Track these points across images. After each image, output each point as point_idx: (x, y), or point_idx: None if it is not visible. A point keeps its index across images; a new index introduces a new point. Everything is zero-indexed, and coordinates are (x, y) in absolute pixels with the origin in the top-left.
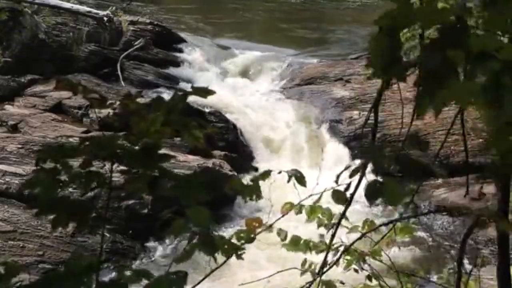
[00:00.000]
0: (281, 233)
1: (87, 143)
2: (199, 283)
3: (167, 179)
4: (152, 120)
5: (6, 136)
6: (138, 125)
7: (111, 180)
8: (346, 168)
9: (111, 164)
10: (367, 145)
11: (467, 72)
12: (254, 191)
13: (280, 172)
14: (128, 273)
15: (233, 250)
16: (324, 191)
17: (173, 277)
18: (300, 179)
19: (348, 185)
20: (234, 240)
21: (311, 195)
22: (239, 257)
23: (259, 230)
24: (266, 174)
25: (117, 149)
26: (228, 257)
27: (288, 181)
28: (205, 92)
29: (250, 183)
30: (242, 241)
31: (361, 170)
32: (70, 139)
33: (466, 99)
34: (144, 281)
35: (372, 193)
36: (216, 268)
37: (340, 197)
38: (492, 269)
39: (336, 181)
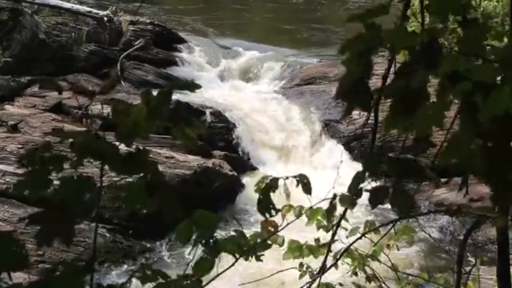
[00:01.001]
0: (278, 239)
1: (71, 140)
2: (207, 284)
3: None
4: (135, 113)
5: (6, 136)
6: (124, 123)
7: (102, 181)
8: (355, 177)
9: (101, 165)
10: (367, 146)
11: (438, 93)
12: (267, 205)
13: (287, 178)
14: (148, 272)
15: (253, 250)
16: (335, 197)
17: (187, 283)
18: (305, 186)
19: (360, 191)
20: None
21: (324, 199)
22: (258, 258)
23: (270, 235)
24: (274, 184)
25: (104, 150)
26: (239, 257)
27: (297, 186)
28: (191, 86)
29: (261, 197)
30: (258, 246)
31: (360, 177)
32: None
33: (429, 127)
34: (160, 281)
35: (377, 198)
36: (226, 269)
37: (348, 201)
38: (492, 269)
39: (349, 191)
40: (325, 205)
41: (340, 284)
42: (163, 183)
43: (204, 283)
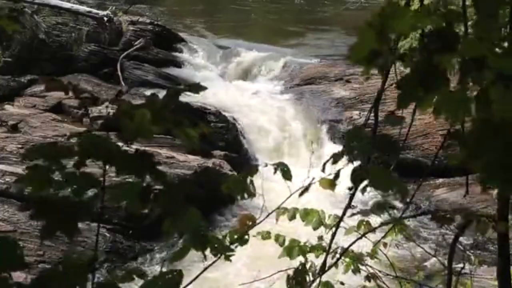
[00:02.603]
0: (279, 238)
1: (75, 139)
2: (192, 281)
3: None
4: (139, 116)
5: (6, 136)
6: (129, 125)
7: (104, 180)
8: (332, 157)
9: (104, 164)
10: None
11: (459, 78)
12: (244, 189)
13: (266, 165)
14: (120, 273)
15: (223, 250)
16: (312, 182)
17: (168, 277)
18: (285, 172)
19: (337, 173)
20: (227, 239)
21: (302, 187)
22: (227, 258)
23: (250, 228)
24: (253, 170)
25: (109, 150)
26: (219, 256)
27: (274, 173)
28: (197, 88)
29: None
30: (236, 242)
31: (357, 170)
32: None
33: (458, 111)
34: (139, 280)
35: (357, 177)
36: (209, 266)
37: (328, 183)
38: (492, 269)
39: (323, 170)
40: (321, 204)
41: (342, 283)
42: (168, 184)
43: (190, 279)
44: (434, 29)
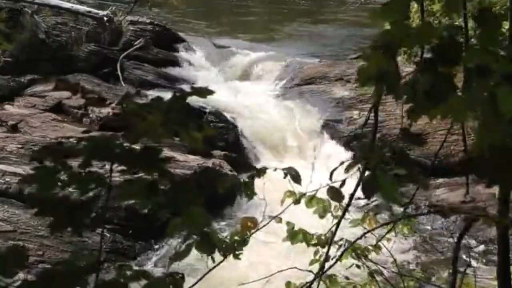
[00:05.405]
0: (289, 225)
1: (84, 143)
2: (196, 282)
3: (165, 181)
4: (149, 121)
5: (6, 136)
6: (138, 126)
7: (111, 180)
8: (340, 165)
9: (111, 164)
10: (366, 144)
11: (463, 86)
12: (248, 189)
13: (275, 170)
14: (128, 272)
15: (231, 249)
16: (320, 188)
17: (171, 279)
18: (295, 177)
19: (343, 182)
20: (227, 240)
21: (305, 193)
22: (236, 257)
23: (253, 231)
24: (262, 171)
25: (116, 149)
26: (226, 256)
27: (284, 177)
28: (204, 92)
29: (246, 180)
30: (235, 243)
31: (360, 169)
32: (71, 139)
33: (464, 113)
34: (143, 281)
35: (369, 189)
36: (214, 267)
37: (336, 193)
38: (492, 269)
39: (330, 178)
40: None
41: (346, 278)
42: (173, 179)
43: (194, 281)
44: (437, 42)
